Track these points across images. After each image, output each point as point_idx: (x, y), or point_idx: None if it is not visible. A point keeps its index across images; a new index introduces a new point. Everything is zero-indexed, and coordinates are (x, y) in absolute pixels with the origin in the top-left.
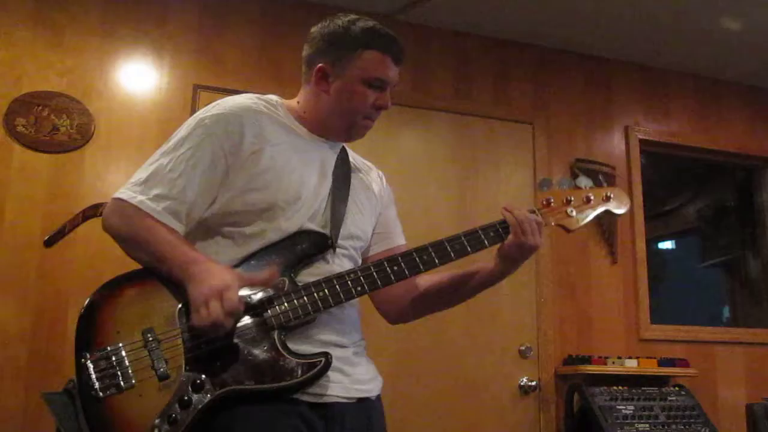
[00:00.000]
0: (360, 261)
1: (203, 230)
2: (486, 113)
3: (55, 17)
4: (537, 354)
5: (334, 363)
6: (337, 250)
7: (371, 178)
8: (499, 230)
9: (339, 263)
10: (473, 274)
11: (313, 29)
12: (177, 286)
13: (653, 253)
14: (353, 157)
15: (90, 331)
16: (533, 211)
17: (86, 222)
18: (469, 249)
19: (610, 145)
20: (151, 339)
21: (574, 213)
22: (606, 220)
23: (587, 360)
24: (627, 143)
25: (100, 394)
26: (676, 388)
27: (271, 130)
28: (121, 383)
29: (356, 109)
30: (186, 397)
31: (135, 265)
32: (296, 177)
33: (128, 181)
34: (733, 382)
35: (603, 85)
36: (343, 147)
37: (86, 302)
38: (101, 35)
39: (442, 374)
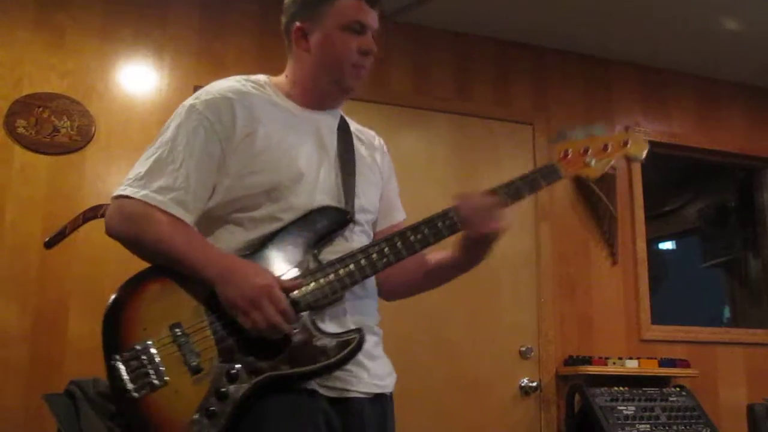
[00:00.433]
0: (372, 237)
1: (212, 221)
2: (486, 114)
3: (55, 19)
4: (538, 355)
5: (357, 356)
6: (355, 226)
7: (374, 147)
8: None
9: (358, 240)
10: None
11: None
12: (199, 280)
13: (654, 254)
14: (354, 127)
15: (116, 332)
16: (489, 193)
17: (87, 223)
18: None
19: None
20: (179, 333)
21: (593, 162)
22: (607, 220)
23: (588, 360)
24: None
25: (135, 394)
26: (677, 389)
27: (261, 110)
28: (155, 381)
29: (341, 57)
30: (223, 389)
31: (139, 264)
32: (294, 153)
33: (127, 178)
34: (733, 383)
35: (603, 85)
36: (343, 116)
37: (108, 303)
38: (102, 37)
39: (442, 375)
